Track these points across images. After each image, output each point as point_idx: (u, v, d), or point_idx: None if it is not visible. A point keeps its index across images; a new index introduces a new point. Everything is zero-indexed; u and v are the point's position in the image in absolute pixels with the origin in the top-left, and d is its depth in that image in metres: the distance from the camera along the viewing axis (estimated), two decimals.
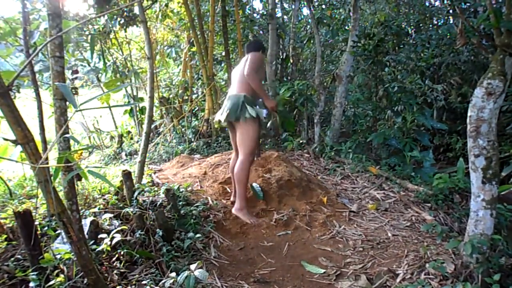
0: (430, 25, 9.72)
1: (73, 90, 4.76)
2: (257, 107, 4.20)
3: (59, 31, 2.17)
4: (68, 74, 5.96)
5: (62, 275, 2.48)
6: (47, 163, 1.83)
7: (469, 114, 2.99)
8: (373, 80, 7.01)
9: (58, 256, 2.59)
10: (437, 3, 10.29)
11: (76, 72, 5.86)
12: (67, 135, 2.05)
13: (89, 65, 6.69)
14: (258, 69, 4.10)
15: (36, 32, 3.04)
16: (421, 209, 4.65)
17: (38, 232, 2.95)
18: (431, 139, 7.55)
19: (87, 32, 6.81)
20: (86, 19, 5.06)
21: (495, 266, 2.96)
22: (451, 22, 9.12)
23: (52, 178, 1.51)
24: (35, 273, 2.40)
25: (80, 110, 1.43)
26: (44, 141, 2.63)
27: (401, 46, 8.06)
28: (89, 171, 1.39)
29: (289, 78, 9.69)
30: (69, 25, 3.34)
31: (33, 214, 3.21)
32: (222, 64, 9.42)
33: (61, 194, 2.71)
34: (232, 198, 4.50)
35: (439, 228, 3.22)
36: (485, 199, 2.97)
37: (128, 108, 9.14)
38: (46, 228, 3.08)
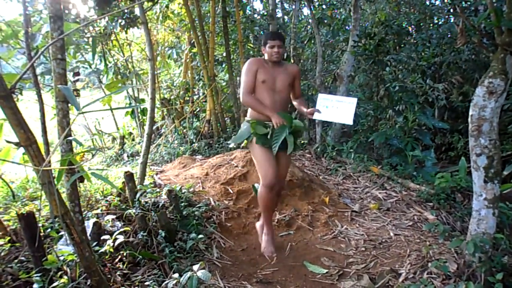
0: (431, 24, 9.71)
1: (74, 92, 4.76)
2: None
3: (61, 34, 2.18)
4: (69, 76, 5.98)
5: (65, 277, 2.49)
6: (50, 166, 1.84)
7: (470, 113, 3.00)
8: (374, 79, 7.01)
9: (62, 258, 2.60)
10: (437, 2, 10.28)
11: (78, 74, 5.87)
12: (70, 138, 2.06)
13: (90, 67, 6.71)
14: (249, 81, 3.50)
15: (38, 35, 3.05)
16: (423, 208, 4.65)
17: (41, 234, 2.96)
18: (433, 138, 7.55)
19: (88, 34, 6.83)
20: (87, 21, 5.06)
21: (498, 265, 2.96)
22: (452, 21, 9.11)
23: (55, 180, 1.52)
24: (39, 274, 2.41)
25: (83, 113, 1.43)
26: (47, 143, 2.64)
27: (402, 45, 8.05)
28: (93, 174, 1.40)
29: None
30: (70, 27, 3.35)
31: (36, 216, 3.23)
32: (223, 65, 9.41)
33: (63, 196, 2.72)
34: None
35: (441, 227, 3.22)
36: (487, 198, 2.97)
37: (130, 109, 9.15)
38: (49, 230, 3.08)
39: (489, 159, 2.95)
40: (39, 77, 3.18)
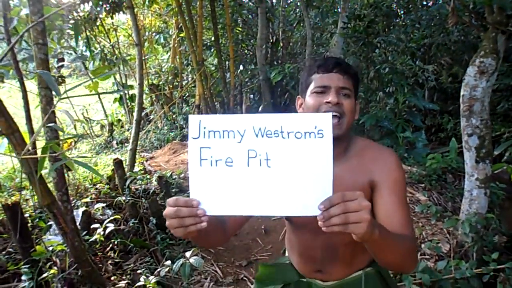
0: (420, 6, 9.65)
1: (59, 78, 4.66)
2: None
3: (41, 17, 2.10)
4: (54, 62, 5.85)
5: (55, 268, 2.44)
6: (33, 154, 1.78)
7: (462, 93, 2.97)
8: (364, 61, 6.96)
9: (50, 248, 2.55)
10: None
11: (62, 60, 5.74)
12: (50, 124, 1.99)
13: (75, 53, 6.58)
14: None
15: (15, 19, 2.94)
16: (414, 189, 4.66)
17: (29, 224, 2.91)
18: (423, 120, 7.56)
19: (72, 20, 6.67)
20: (69, 4, 4.94)
21: (489, 245, 2.98)
22: (441, 1, 9.05)
23: (38, 169, 1.46)
24: (27, 266, 2.36)
25: (63, 98, 1.37)
26: (32, 132, 2.56)
27: (391, 27, 7.99)
28: (75, 161, 1.35)
29: (279, 61, 9.61)
30: (51, 11, 3.24)
31: (23, 206, 3.17)
32: (212, 50, 9.30)
33: (51, 185, 2.66)
34: None
35: (433, 209, 3.22)
36: (479, 178, 2.97)
37: (118, 96, 9.04)
38: (37, 220, 3.03)
39: (480, 139, 2.94)
40: (21, 64, 3.09)
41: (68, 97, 1.33)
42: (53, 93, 2.32)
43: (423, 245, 3.22)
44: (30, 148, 1.58)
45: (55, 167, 1.65)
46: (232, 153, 0.98)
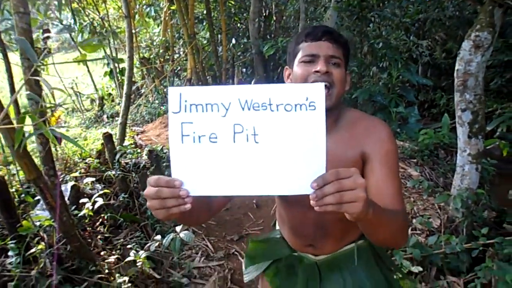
0: None
1: (45, 50, 4.53)
2: None
3: None
4: (41, 35, 5.69)
5: (42, 243, 2.41)
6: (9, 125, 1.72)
7: (456, 67, 2.93)
8: (358, 36, 6.87)
9: (38, 223, 2.51)
10: None
11: (48, 31, 5.59)
12: (27, 93, 1.92)
13: (61, 23, 6.40)
14: None
15: None
16: (407, 165, 4.66)
17: (16, 199, 2.86)
18: (416, 95, 7.53)
19: None
20: None
21: (479, 220, 2.99)
22: None
23: (15, 141, 1.41)
24: (14, 241, 2.33)
25: (40, 65, 1.31)
26: (16, 104, 2.49)
27: (386, 1, 7.87)
28: (52, 130, 1.29)
29: (272, 35, 9.47)
30: None
31: (10, 180, 3.11)
32: (204, 23, 9.13)
33: (38, 160, 2.61)
34: None
35: (425, 184, 3.22)
36: (471, 153, 2.95)
37: (108, 70, 8.89)
38: (24, 195, 2.98)
39: (473, 115, 2.91)
40: (3, 35, 2.98)
41: (51, 63, 1.27)
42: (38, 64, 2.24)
43: (414, 220, 3.23)
44: (2, 118, 1.53)
45: (29, 137, 1.59)
46: (216, 128, 0.91)
